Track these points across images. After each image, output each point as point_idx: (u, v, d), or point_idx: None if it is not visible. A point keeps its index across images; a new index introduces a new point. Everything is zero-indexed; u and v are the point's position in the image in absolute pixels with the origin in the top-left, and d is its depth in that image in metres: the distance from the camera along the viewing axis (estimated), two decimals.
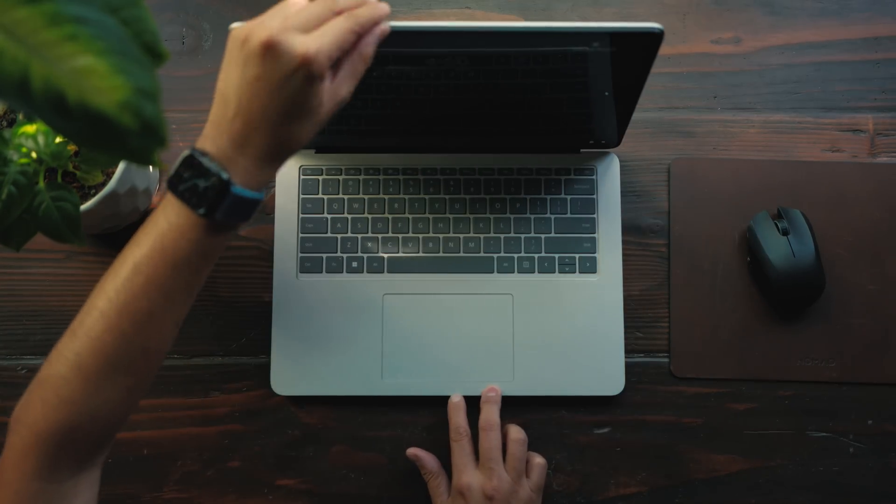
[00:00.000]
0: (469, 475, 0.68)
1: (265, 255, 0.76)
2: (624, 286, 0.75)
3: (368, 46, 0.51)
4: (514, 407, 0.74)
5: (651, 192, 0.77)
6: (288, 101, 0.48)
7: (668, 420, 0.74)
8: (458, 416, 0.71)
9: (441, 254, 0.75)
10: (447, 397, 0.73)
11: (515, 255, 0.75)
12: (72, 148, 0.61)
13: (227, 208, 0.49)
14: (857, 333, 0.75)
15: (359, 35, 0.50)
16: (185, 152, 0.49)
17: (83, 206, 0.64)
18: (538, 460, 0.70)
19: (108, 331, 0.50)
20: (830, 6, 0.80)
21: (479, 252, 0.75)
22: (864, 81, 0.79)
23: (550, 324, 0.74)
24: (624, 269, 0.75)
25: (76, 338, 0.51)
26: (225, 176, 0.48)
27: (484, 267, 0.75)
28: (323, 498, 0.74)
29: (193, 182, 0.49)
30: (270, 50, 0.47)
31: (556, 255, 0.75)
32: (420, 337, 0.74)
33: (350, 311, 0.74)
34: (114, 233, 0.75)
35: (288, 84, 0.48)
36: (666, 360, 0.75)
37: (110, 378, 0.51)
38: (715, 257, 0.76)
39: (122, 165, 0.66)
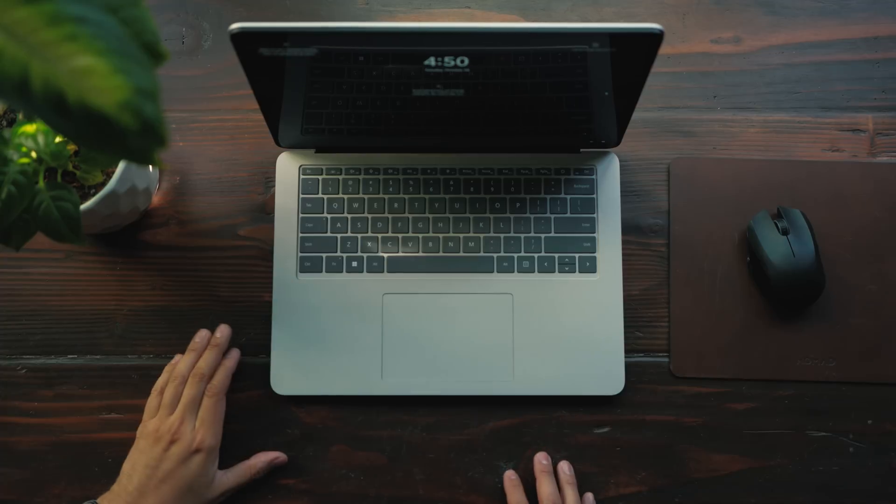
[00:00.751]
0: None
1: (265, 254, 0.76)
2: (624, 286, 0.75)
3: (261, 467, 0.73)
4: (513, 406, 0.74)
5: (651, 192, 0.77)
6: (193, 477, 0.67)
7: (668, 420, 0.74)
8: (517, 494, 0.72)
9: (441, 253, 0.75)
10: (447, 397, 0.73)
11: (515, 255, 0.75)
12: (71, 147, 0.61)
13: None
14: (857, 333, 0.75)
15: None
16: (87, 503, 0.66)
17: (83, 206, 0.64)
18: None
19: None
20: (830, 6, 0.80)
21: (479, 252, 0.75)
22: (864, 81, 0.79)
23: (550, 323, 0.74)
24: (624, 269, 0.75)
25: None
26: None
27: (484, 266, 0.75)
28: (323, 497, 0.74)
29: None
30: (173, 440, 0.68)
31: (556, 255, 0.75)
32: (420, 336, 0.74)
33: (350, 311, 0.74)
34: (114, 232, 0.76)
35: (195, 464, 0.68)
36: (666, 359, 0.75)
37: None
38: (715, 257, 0.76)
39: (121, 165, 0.66)
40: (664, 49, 0.79)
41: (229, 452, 0.74)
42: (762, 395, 0.74)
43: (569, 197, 0.76)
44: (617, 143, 0.75)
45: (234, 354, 0.74)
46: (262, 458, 0.72)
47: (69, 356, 0.75)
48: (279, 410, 0.74)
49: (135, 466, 0.67)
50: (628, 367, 0.74)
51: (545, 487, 0.71)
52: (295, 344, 0.74)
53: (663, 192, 0.77)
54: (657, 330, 0.75)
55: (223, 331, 0.74)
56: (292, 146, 0.77)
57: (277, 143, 0.75)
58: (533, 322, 0.74)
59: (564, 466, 0.73)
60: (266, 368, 0.74)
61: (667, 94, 0.79)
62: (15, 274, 0.76)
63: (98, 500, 0.67)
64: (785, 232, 0.73)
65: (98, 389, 0.75)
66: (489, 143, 0.76)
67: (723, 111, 0.79)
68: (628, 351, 0.75)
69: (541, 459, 0.73)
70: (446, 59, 0.60)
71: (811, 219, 0.74)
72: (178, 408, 0.69)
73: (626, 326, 0.75)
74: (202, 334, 0.74)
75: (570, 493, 0.71)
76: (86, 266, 0.76)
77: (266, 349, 0.74)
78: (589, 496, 0.72)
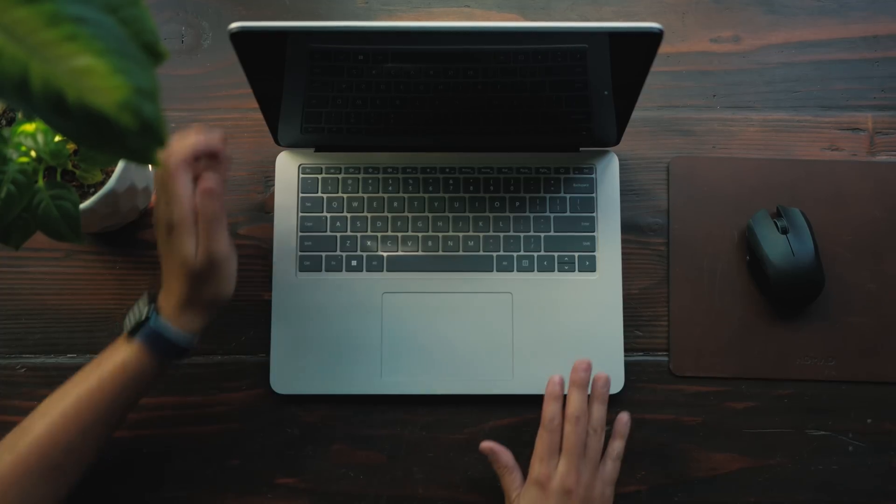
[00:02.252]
0: (551, 467, 0.66)
1: (264, 253, 0.76)
2: (623, 285, 0.75)
3: (198, 201, 0.60)
4: (513, 405, 0.74)
5: (650, 191, 0.77)
6: (169, 259, 0.62)
7: (668, 419, 0.74)
8: (555, 406, 0.68)
9: (440, 252, 0.75)
10: (446, 396, 0.73)
11: (515, 254, 0.75)
12: (71, 147, 0.61)
13: (145, 335, 0.63)
14: (857, 332, 0.75)
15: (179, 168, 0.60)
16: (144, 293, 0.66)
17: (82, 205, 0.64)
18: (615, 453, 0.68)
19: (41, 421, 0.61)
20: (829, 5, 0.80)
21: (479, 251, 0.75)
22: (864, 80, 0.79)
23: (550, 322, 0.74)
24: (623, 268, 0.75)
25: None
26: (149, 311, 0.64)
27: (483, 265, 0.75)
28: (322, 496, 0.74)
29: (135, 311, 0.65)
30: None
31: (556, 254, 0.75)
32: (419, 335, 0.74)
33: (349, 310, 0.74)
34: (113, 231, 0.75)
35: (165, 244, 0.62)
36: (665, 358, 0.75)
37: (34, 466, 0.61)
38: (714, 256, 0.76)
39: (121, 164, 0.66)
40: (663, 48, 0.79)
41: (229, 452, 0.74)
42: (762, 394, 0.74)
43: (568, 196, 0.76)
44: (616, 143, 0.75)
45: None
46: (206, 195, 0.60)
47: (68, 355, 0.75)
48: (279, 409, 0.74)
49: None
50: (628, 366, 0.74)
51: (573, 400, 0.68)
52: (294, 343, 0.74)
53: (663, 192, 0.77)
54: (656, 329, 0.75)
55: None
56: (292, 145, 0.77)
57: (277, 143, 0.75)
58: (532, 321, 0.74)
59: (599, 381, 0.69)
60: (265, 367, 0.74)
61: (666, 93, 0.79)
62: (14, 273, 0.76)
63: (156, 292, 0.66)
64: (784, 231, 0.73)
65: None
66: (489, 143, 0.76)
67: (722, 110, 0.79)
68: (628, 350, 0.75)
69: (579, 370, 0.69)
70: (445, 58, 0.60)
71: (811, 218, 0.74)
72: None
73: (625, 325, 0.75)
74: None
75: (598, 410, 0.68)
76: (85, 265, 0.76)
77: (265, 348, 0.74)
78: (624, 416, 0.70)
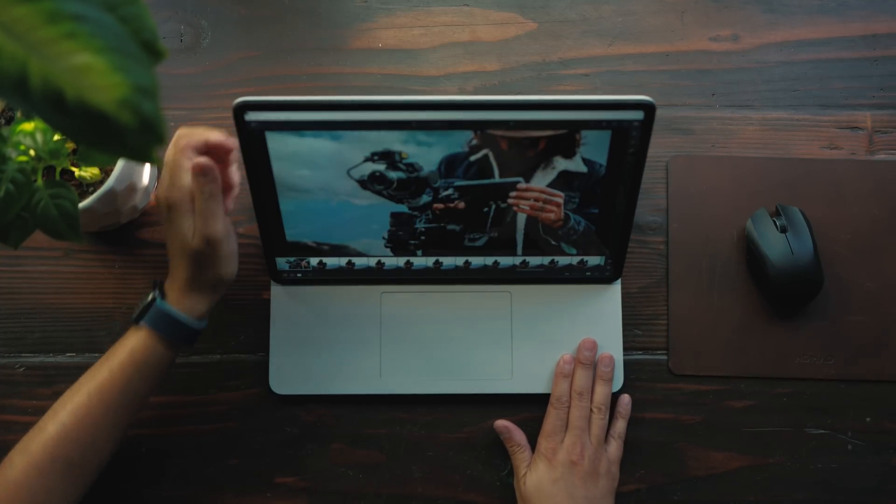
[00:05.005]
0: (557, 440, 0.69)
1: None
2: (622, 284, 0.75)
3: (193, 183, 0.60)
4: (512, 404, 0.74)
5: (649, 190, 0.77)
6: (171, 241, 0.63)
7: (667, 417, 0.74)
8: (563, 384, 0.71)
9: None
10: (445, 395, 0.73)
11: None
12: (70, 145, 0.61)
13: (151, 317, 0.63)
14: (856, 331, 0.75)
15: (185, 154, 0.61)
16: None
17: (81, 204, 0.64)
18: (617, 433, 0.71)
19: (52, 421, 0.61)
20: (828, 4, 0.80)
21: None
22: (863, 79, 0.79)
23: (549, 321, 0.74)
24: (622, 267, 0.75)
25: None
26: (154, 295, 0.64)
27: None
28: (321, 496, 0.74)
29: (144, 298, 0.65)
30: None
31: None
32: (418, 335, 0.74)
33: (349, 310, 0.74)
34: (112, 230, 0.75)
35: (167, 225, 0.62)
36: (664, 357, 0.75)
37: (48, 466, 0.60)
38: (713, 255, 0.76)
39: (120, 163, 0.66)
40: (663, 46, 0.79)
41: (228, 451, 0.74)
42: (761, 392, 0.74)
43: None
44: None
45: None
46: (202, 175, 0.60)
47: (68, 354, 0.75)
48: (278, 409, 0.74)
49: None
50: (627, 365, 0.74)
51: (578, 378, 0.71)
52: (293, 343, 0.74)
53: (662, 190, 0.77)
54: (656, 328, 0.75)
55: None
56: None
57: None
58: (531, 320, 0.74)
59: (603, 361, 0.72)
60: (265, 366, 0.74)
61: (665, 92, 0.79)
62: (13, 272, 0.76)
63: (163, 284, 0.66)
64: (783, 230, 0.73)
65: None
66: None
67: (721, 109, 0.79)
68: (627, 349, 0.75)
69: (584, 349, 0.72)
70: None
71: (810, 217, 0.74)
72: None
73: (624, 324, 0.75)
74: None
75: (601, 389, 0.71)
76: (84, 264, 0.76)
77: (265, 347, 0.74)
78: (625, 397, 0.73)
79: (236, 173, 0.66)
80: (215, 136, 0.62)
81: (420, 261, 0.73)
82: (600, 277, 0.74)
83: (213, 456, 0.74)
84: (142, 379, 0.63)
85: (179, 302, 0.64)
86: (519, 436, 0.72)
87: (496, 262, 0.73)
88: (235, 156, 0.64)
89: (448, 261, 0.73)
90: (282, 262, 0.73)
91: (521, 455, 0.71)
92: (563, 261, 0.73)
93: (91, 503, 0.64)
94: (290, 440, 0.74)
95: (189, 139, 0.61)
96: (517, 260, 0.73)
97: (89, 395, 0.62)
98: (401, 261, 0.73)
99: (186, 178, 0.60)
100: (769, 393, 0.74)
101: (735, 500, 0.73)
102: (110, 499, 0.73)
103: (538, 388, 0.73)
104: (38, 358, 0.75)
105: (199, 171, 0.60)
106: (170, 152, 0.62)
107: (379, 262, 0.73)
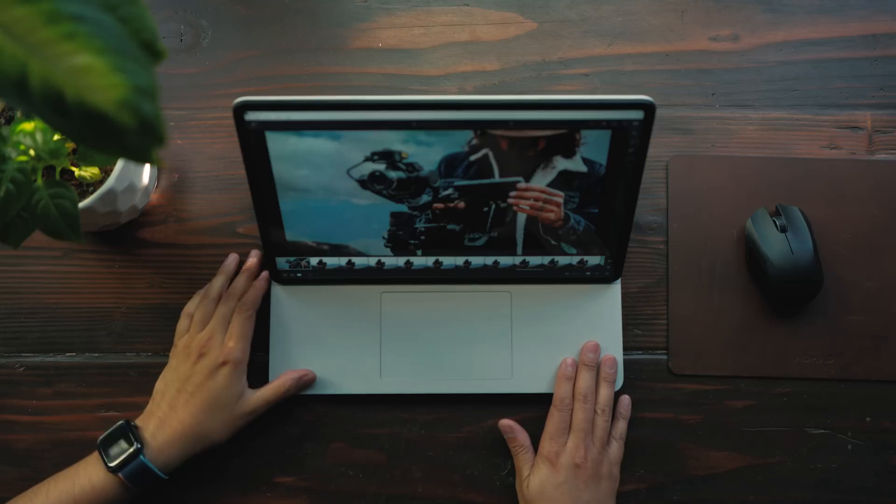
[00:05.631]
0: (560, 444, 0.69)
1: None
2: (622, 283, 0.75)
3: (293, 387, 0.72)
4: (512, 404, 0.74)
5: (649, 190, 0.77)
6: (222, 390, 0.68)
7: (667, 417, 0.74)
8: (566, 387, 0.71)
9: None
10: (446, 395, 0.73)
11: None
12: (70, 145, 0.61)
13: (131, 471, 0.64)
14: (855, 330, 0.75)
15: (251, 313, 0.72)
16: (121, 422, 0.67)
17: (81, 204, 0.64)
18: (618, 434, 0.71)
19: None
20: (828, 3, 0.80)
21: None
22: (862, 78, 0.79)
23: (549, 321, 0.74)
24: (623, 267, 0.75)
25: None
26: (136, 448, 0.65)
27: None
28: (321, 495, 0.74)
29: (119, 444, 0.65)
30: (202, 354, 0.69)
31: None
32: (418, 335, 0.74)
33: (348, 310, 0.74)
34: (112, 230, 0.75)
35: (226, 376, 0.68)
36: (664, 357, 0.75)
37: None
38: (713, 254, 0.76)
39: (120, 163, 0.66)
40: (663, 46, 0.79)
41: (228, 450, 0.74)
42: (761, 392, 0.74)
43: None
44: None
45: (265, 275, 0.74)
46: (290, 376, 0.72)
47: (67, 354, 0.75)
48: (278, 408, 0.74)
49: (167, 383, 0.69)
50: (627, 365, 0.74)
51: (581, 380, 0.71)
52: (293, 342, 0.74)
53: (662, 190, 0.77)
54: (656, 327, 0.75)
55: (255, 255, 0.75)
56: None
57: None
58: (531, 320, 0.74)
59: (607, 363, 0.72)
60: (264, 366, 0.74)
61: (665, 92, 0.79)
62: (13, 272, 0.76)
63: (134, 422, 0.68)
64: (783, 229, 0.73)
65: (96, 387, 0.75)
66: None
67: (721, 109, 0.79)
68: (627, 348, 0.75)
69: (587, 351, 0.72)
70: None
71: (809, 216, 0.74)
72: (210, 324, 0.70)
73: (624, 324, 0.75)
74: (232, 257, 0.75)
75: (605, 391, 0.71)
76: (84, 264, 0.76)
77: (264, 346, 0.74)
78: (625, 399, 0.73)
79: None
80: (262, 288, 0.73)
81: (420, 260, 0.73)
82: (600, 277, 0.74)
83: (214, 456, 0.74)
84: None
85: (163, 453, 0.66)
86: (522, 437, 0.72)
87: (496, 262, 0.73)
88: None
89: (448, 260, 0.73)
90: (282, 262, 0.72)
91: (524, 456, 0.71)
92: (563, 260, 0.73)
93: None
94: (290, 440, 0.74)
95: (252, 300, 0.72)
96: (517, 260, 0.73)
97: None
98: (401, 260, 0.73)
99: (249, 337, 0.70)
100: (769, 393, 0.74)
101: (735, 499, 0.73)
102: None
103: (538, 387, 0.73)
104: (38, 357, 0.75)
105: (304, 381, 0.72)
106: (242, 317, 0.71)
107: (379, 262, 0.73)
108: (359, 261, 0.73)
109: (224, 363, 0.68)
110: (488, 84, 0.79)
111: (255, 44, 0.79)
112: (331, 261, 0.73)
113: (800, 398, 0.74)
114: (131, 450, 0.65)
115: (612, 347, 0.74)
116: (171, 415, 0.67)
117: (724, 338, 0.75)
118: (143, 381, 0.74)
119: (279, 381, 0.71)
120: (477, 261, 0.73)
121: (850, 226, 0.76)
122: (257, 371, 0.74)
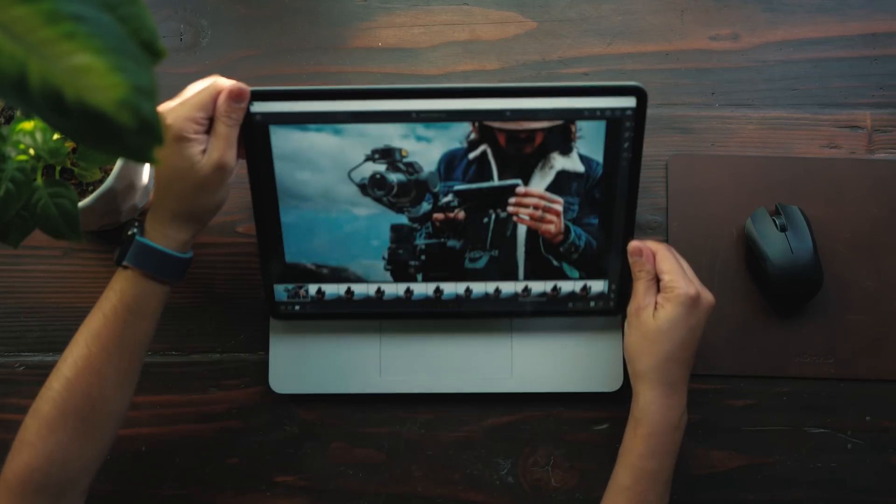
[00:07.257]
0: (697, 284, 0.65)
1: None
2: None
3: (224, 106, 0.60)
4: (512, 404, 0.74)
5: (649, 189, 0.77)
6: (170, 169, 0.61)
7: None
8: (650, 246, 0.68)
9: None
10: (445, 394, 0.74)
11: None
12: (69, 145, 0.61)
13: (133, 255, 0.62)
14: (855, 330, 0.75)
15: (215, 97, 0.61)
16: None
17: (81, 203, 0.64)
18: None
19: (56, 378, 0.60)
20: (828, 3, 0.80)
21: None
22: (862, 78, 0.79)
23: (548, 320, 0.74)
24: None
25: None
26: (133, 231, 0.63)
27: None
28: (321, 494, 0.74)
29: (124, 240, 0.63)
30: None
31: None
32: (418, 334, 0.74)
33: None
34: (112, 229, 0.75)
35: (167, 153, 0.60)
36: None
37: (59, 422, 0.59)
38: (713, 254, 0.76)
39: (119, 162, 0.66)
40: (662, 45, 0.79)
41: (228, 450, 0.74)
42: (760, 391, 0.74)
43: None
44: None
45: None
46: (225, 103, 0.61)
47: None
48: (277, 408, 0.74)
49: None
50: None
51: (651, 245, 0.68)
52: (293, 342, 0.74)
53: (661, 189, 0.77)
54: None
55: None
56: None
57: None
58: (531, 319, 0.74)
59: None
60: (264, 365, 0.74)
61: (665, 91, 0.79)
62: (13, 271, 0.76)
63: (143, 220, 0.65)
64: (783, 229, 0.73)
65: None
66: None
67: (721, 108, 0.79)
68: None
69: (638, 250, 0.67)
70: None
71: (809, 215, 0.74)
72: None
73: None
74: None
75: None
76: (84, 263, 0.76)
77: (264, 346, 0.74)
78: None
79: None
80: (245, 89, 0.62)
81: (420, 288, 0.72)
82: (605, 309, 0.73)
83: (213, 455, 0.74)
84: (137, 320, 0.62)
85: (161, 234, 0.63)
86: (650, 265, 0.67)
87: (497, 291, 0.72)
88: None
89: (449, 288, 0.72)
90: (280, 291, 0.72)
91: (647, 283, 0.66)
92: (565, 287, 0.72)
93: (91, 502, 0.64)
94: (289, 439, 0.74)
95: (222, 80, 0.62)
96: (519, 287, 0.72)
97: (87, 344, 0.60)
98: (401, 288, 0.72)
99: (209, 106, 0.60)
100: (769, 392, 0.74)
101: (734, 498, 0.73)
102: (110, 498, 0.73)
103: (538, 387, 0.73)
104: (38, 357, 0.75)
105: (236, 96, 0.60)
106: (205, 84, 0.62)
107: (378, 291, 0.72)
108: (358, 289, 0.72)
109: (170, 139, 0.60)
110: (488, 83, 0.79)
111: (255, 43, 0.79)
112: (330, 289, 0.72)
113: (799, 397, 0.74)
114: (129, 232, 0.63)
115: (612, 346, 0.74)
116: (153, 202, 0.64)
117: (723, 337, 0.75)
118: (142, 381, 0.73)
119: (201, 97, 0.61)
120: (478, 288, 0.72)
121: (850, 225, 0.76)
122: (257, 370, 0.74)
